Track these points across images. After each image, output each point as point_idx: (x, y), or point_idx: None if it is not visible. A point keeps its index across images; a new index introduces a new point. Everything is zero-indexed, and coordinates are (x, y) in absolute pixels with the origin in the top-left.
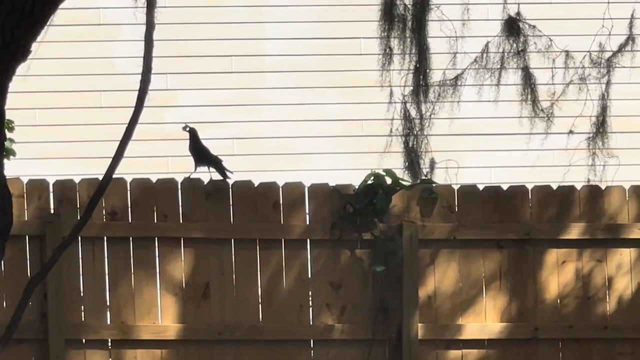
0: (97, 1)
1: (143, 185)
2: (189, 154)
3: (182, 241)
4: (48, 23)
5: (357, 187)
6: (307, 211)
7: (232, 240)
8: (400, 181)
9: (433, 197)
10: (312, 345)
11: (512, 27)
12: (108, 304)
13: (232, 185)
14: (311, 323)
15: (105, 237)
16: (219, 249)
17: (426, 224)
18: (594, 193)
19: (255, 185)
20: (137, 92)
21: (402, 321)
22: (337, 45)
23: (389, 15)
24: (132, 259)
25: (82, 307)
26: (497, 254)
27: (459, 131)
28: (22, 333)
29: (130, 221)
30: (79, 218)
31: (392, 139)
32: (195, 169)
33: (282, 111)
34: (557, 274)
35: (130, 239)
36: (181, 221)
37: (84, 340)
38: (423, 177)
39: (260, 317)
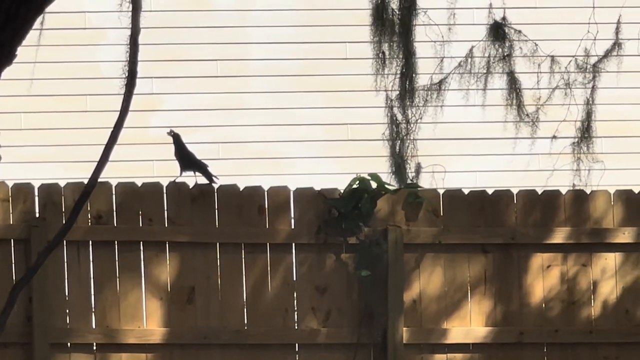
0: (82, 5)
1: (128, 189)
2: (175, 158)
3: (167, 245)
4: (33, 27)
5: (342, 191)
6: (292, 215)
7: (218, 244)
8: (385, 185)
9: (418, 201)
10: (297, 350)
11: (498, 31)
12: (93, 307)
13: (217, 189)
14: (296, 327)
15: (90, 241)
16: (204, 253)
17: (411, 228)
18: (579, 197)
19: (241, 190)
20: (122, 96)
21: (387, 325)
22: (322, 49)
23: (380, 19)
24: (117, 262)
25: (67, 311)
26: (482, 259)
27: (444, 135)
28: (7, 337)
29: (115, 225)
30: (64, 222)
31: (377, 143)
32: (181, 173)
33: (267, 115)
34: (542, 279)
35: (116, 242)
36: (166, 225)
37: (69, 344)
38: (408, 182)
39: (246, 321)
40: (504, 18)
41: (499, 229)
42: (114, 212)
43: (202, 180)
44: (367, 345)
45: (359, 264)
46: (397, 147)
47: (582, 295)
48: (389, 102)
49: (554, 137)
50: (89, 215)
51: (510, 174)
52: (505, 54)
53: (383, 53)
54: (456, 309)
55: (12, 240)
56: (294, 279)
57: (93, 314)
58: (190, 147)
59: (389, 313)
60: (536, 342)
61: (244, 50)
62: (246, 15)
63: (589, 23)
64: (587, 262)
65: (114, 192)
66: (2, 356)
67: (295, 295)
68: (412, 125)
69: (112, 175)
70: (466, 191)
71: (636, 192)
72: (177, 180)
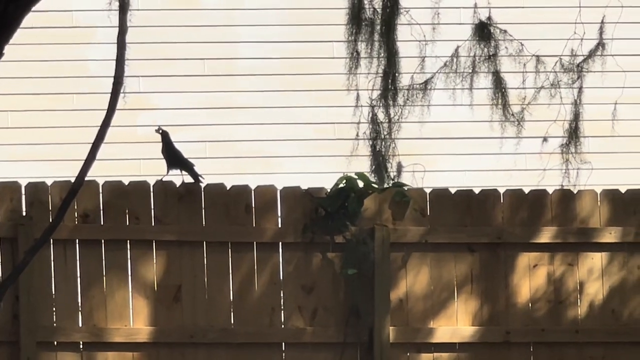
0: (70, 4)
1: (115, 188)
2: (162, 156)
3: (154, 244)
4: (21, 25)
5: (329, 190)
6: (279, 214)
7: (204, 243)
8: (372, 184)
9: (405, 200)
10: (283, 349)
11: (483, 31)
12: (80, 306)
13: (204, 188)
14: (283, 326)
15: (77, 240)
16: (191, 252)
17: (398, 227)
18: (566, 197)
19: (228, 188)
20: (109, 95)
21: (374, 324)
22: (309, 48)
23: (356, 19)
24: (104, 261)
25: (54, 309)
26: (469, 258)
27: (431, 135)
28: None
29: (102, 224)
30: (51, 220)
31: (359, 142)
32: (168, 172)
33: (255, 114)
34: (529, 278)
35: (102, 241)
36: (153, 224)
37: (55, 343)
38: (395, 181)
39: (232, 320)
40: (489, 18)
41: (485, 228)
42: (101, 211)
43: (189, 179)
44: (353, 344)
45: (345, 263)
46: (378, 147)
47: (568, 295)
48: (370, 101)
49: (544, 139)
50: (76, 213)
51: (496, 174)
52: (491, 54)
53: (357, 52)
54: (443, 308)
55: None
56: (281, 278)
57: (80, 312)
58: (177, 146)
59: (375, 312)
60: (523, 342)
61: (231, 49)
62: (234, 14)
63: (575, 23)
64: (574, 261)
65: (100, 191)
66: None
67: (281, 294)
68: (393, 124)
69: (99, 173)
70: (453, 190)
71: (623, 191)
72: (164, 179)
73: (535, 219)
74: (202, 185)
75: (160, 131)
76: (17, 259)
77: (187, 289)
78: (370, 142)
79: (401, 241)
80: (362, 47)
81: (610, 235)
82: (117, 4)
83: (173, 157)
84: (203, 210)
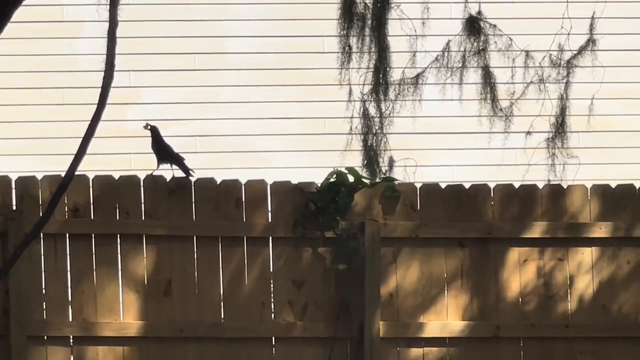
0: None
1: (105, 182)
2: (152, 151)
3: (144, 238)
4: (11, 19)
5: (319, 185)
6: (269, 209)
7: (194, 237)
8: (362, 179)
9: (395, 195)
10: (273, 343)
11: (473, 26)
12: (70, 300)
13: (194, 182)
14: (273, 321)
15: (67, 234)
16: (181, 246)
17: (388, 222)
18: (556, 192)
19: (218, 183)
20: (99, 89)
21: (364, 319)
22: (299, 43)
23: (348, 13)
24: (94, 255)
25: (44, 304)
26: (459, 253)
27: (421, 129)
28: None
29: (92, 218)
30: (41, 215)
31: (352, 137)
32: (158, 166)
33: (245, 109)
34: (519, 273)
35: (93, 235)
36: (143, 218)
37: (45, 337)
38: (385, 175)
39: (222, 314)
40: (479, 12)
41: (475, 224)
42: (91, 205)
43: (180, 173)
44: (343, 339)
45: (335, 258)
46: (369, 141)
47: (558, 290)
48: (362, 96)
49: (529, 132)
50: (66, 208)
51: (485, 168)
52: (480, 48)
53: (349, 47)
54: (433, 303)
55: None
56: (271, 272)
57: (70, 307)
58: (167, 140)
59: (365, 307)
60: (512, 337)
61: (221, 43)
62: (223, 8)
63: (563, 18)
64: (564, 256)
65: (91, 185)
66: None
67: (272, 289)
68: (385, 119)
69: (89, 168)
70: (443, 185)
71: (613, 186)
72: (154, 174)
73: (526, 214)
74: (193, 179)
75: (149, 127)
76: (7, 254)
77: (177, 283)
78: (362, 137)
79: (391, 236)
80: (354, 41)
81: (601, 231)
82: None
83: (163, 152)
84: (193, 204)
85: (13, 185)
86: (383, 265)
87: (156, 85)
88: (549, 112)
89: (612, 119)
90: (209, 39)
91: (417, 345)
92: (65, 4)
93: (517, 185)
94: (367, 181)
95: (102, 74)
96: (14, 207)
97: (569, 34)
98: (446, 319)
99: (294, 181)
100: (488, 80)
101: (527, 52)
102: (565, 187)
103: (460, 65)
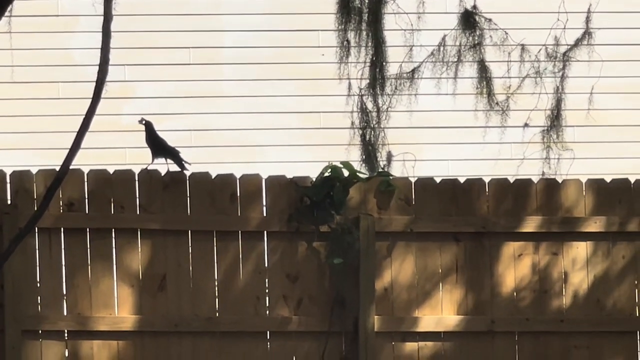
0: None
1: (100, 177)
2: (146, 145)
3: (139, 232)
4: (5, 14)
5: (314, 179)
6: (264, 203)
7: (189, 231)
8: (357, 173)
9: (390, 189)
10: (268, 337)
11: (469, 20)
12: (65, 295)
13: (189, 177)
14: (268, 315)
15: (62, 228)
16: (175, 241)
17: (383, 217)
18: (551, 186)
19: (213, 177)
20: (94, 84)
21: (359, 313)
22: (295, 37)
23: (345, 8)
24: (88, 250)
25: (39, 298)
26: (454, 247)
27: (416, 124)
28: None
29: (87, 212)
30: (35, 209)
31: (349, 131)
32: (153, 160)
33: (240, 103)
34: (514, 267)
35: (87, 230)
36: (138, 212)
37: (40, 331)
38: (380, 170)
39: (217, 309)
40: (474, 6)
41: (470, 218)
42: (86, 200)
43: (174, 167)
44: (338, 333)
45: (330, 252)
46: (367, 136)
47: (553, 285)
48: (359, 90)
49: (526, 125)
50: (61, 202)
51: (481, 163)
52: (476, 43)
53: (348, 41)
54: (427, 298)
55: None
56: (266, 267)
57: (65, 301)
58: (162, 135)
59: (360, 301)
60: (507, 331)
61: (217, 37)
62: (219, 2)
63: (558, 12)
64: (559, 251)
65: (85, 180)
66: None
67: (266, 283)
68: (382, 113)
69: (84, 162)
70: (438, 179)
71: (608, 181)
72: (149, 168)
73: (520, 209)
74: (187, 173)
75: (144, 122)
76: (2, 248)
77: (172, 278)
78: (360, 132)
79: (386, 230)
80: (351, 36)
81: (595, 225)
82: None
83: (158, 146)
84: (188, 199)
85: (8, 180)
86: (378, 260)
87: (151, 80)
88: (544, 106)
89: (607, 113)
90: (204, 33)
91: (411, 339)
92: None
93: (512, 179)
94: (362, 175)
95: (97, 68)
96: (9, 201)
97: (564, 28)
98: (441, 313)
99: (290, 175)
100: (484, 75)
101: (522, 46)
102: (560, 181)
103: (456, 59)
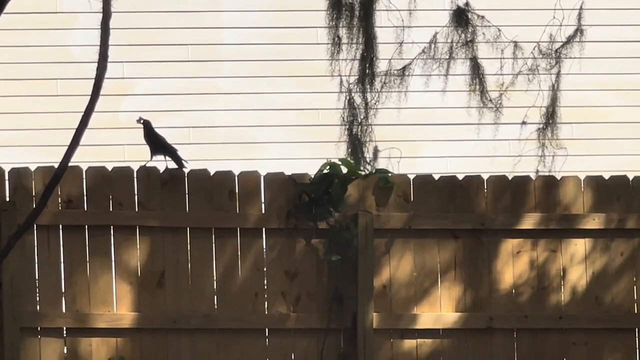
0: None
1: (99, 174)
2: (145, 142)
3: (137, 229)
4: (4, 11)
5: (312, 176)
6: (262, 200)
7: (188, 229)
8: (356, 170)
9: (388, 186)
10: (267, 334)
11: (461, 17)
12: (63, 292)
13: (187, 174)
14: (266, 312)
15: (60, 225)
16: (174, 238)
17: (381, 214)
18: (549, 183)
19: (211, 174)
20: (93, 81)
21: (357, 310)
22: (293, 34)
23: (337, 4)
24: (87, 247)
25: (37, 295)
26: (452, 244)
27: (413, 121)
28: None
29: (85, 209)
30: (34, 206)
31: (343, 128)
32: (151, 157)
33: (238, 100)
34: (512, 264)
35: (86, 227)
36: (137, 210)
37: (39, 328)
38: (371, 165)
39: (215, 306)
40: (467, 4)
41: (469, 215)
42: (84, 197)
43: (173, 164)
44: (336, 330)
45: (329, 249)
46: (354, 130)
47: (551, 281)
48: (347, 86)
49: (524, 122)
50: (59, 199)
51: (478, 160)
52: (469, 40)
53: (339, 38)
54: (426, 295)
55: None
56: (264, 263)
57: (63, 298)
58: (161, 132)
59: (358, 298)
60: (506, 328)
61: (215, 34)
62: (218, 0)
63: (553, 9)
64: (557, 248)
65: (84, 177)
66: None
67: (265, 280)
68: (371, 109)
69: (82, 159)
70: (437, 176)
71: (606, 178)
72: (147, 165)
73: (519, 206)
74: (186, 170)
75: (142, 121)
76: (0, 245)
77: (171, 274)
78: (347, 126)
79: (385, 227)
80: (343, 32)
81: (594, 222)
82: None
83: (156, 143)
84: (186, 196)
85: (6, 177)
86: (376, 257)
87: (150, 77)
88: (540, 103)
89: (604, 110)
90: (202, 30)
91: (410, 336)
92: None
93: (510, 176)
94: (360, 172)
95: (96, 65)
96: (7, 199)
97: (560, 25)
98: (439, 310)
99: (288, 172)
100: (477, 72)
101: (515, 43)
102: (558, 178)
103: (448, 56)
